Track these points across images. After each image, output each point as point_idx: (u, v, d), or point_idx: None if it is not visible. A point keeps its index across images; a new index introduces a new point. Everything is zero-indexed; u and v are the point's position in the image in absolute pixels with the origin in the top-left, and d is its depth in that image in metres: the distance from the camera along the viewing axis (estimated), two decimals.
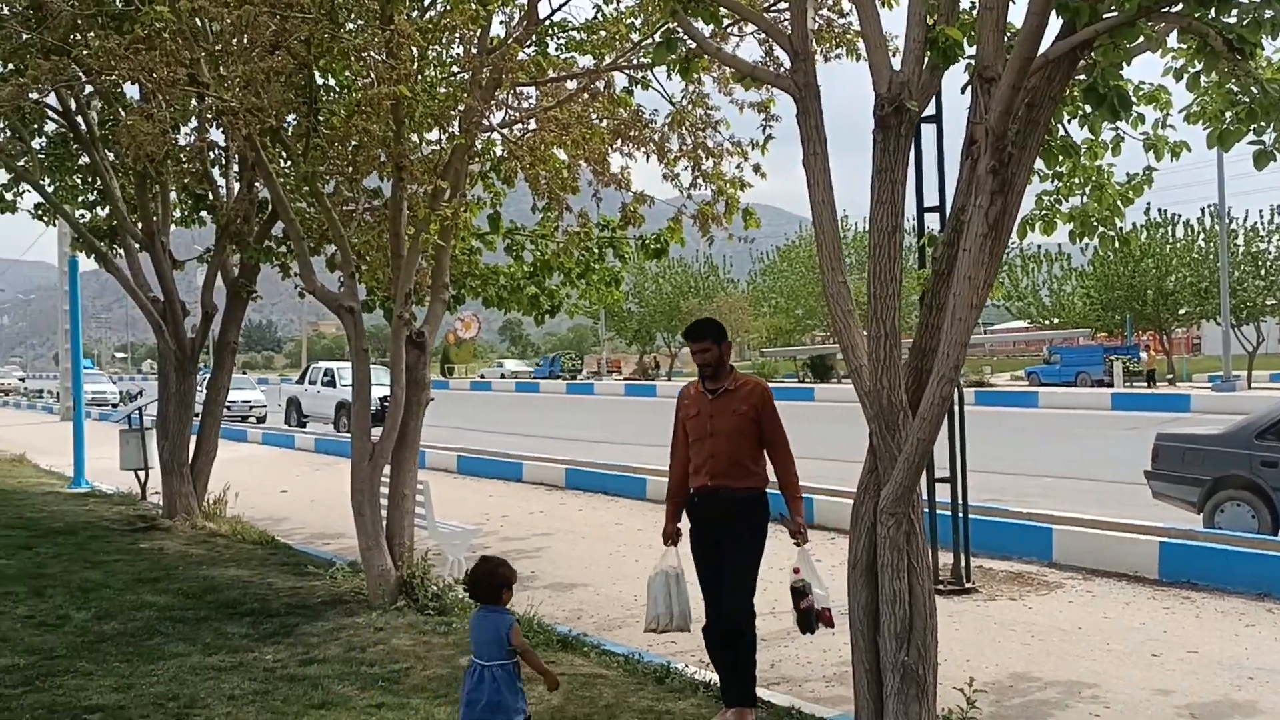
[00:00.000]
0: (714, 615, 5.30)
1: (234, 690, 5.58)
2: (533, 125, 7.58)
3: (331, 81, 9.99)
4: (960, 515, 8.71)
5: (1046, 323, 53.75)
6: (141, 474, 13.28)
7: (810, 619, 5.15)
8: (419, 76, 7.32)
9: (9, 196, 13.33)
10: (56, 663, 6.06)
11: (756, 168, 7.99)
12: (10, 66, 9.73)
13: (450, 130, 7.73)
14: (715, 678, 6.17)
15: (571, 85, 7.88)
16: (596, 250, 10.65)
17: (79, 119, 11.36)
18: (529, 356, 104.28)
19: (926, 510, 8.50)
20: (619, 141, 7.36)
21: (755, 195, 8.33)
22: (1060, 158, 5.27)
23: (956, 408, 8.65)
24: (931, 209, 8.41)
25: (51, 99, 11.07)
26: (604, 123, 7.35)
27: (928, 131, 8.45)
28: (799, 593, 5.15)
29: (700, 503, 5.33)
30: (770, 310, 60.14)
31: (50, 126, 12.28)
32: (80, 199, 13.50)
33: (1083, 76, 4.32)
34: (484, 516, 12.91)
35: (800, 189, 5.05)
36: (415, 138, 8.27)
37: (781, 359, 56.77)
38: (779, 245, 62.20)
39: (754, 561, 5.25)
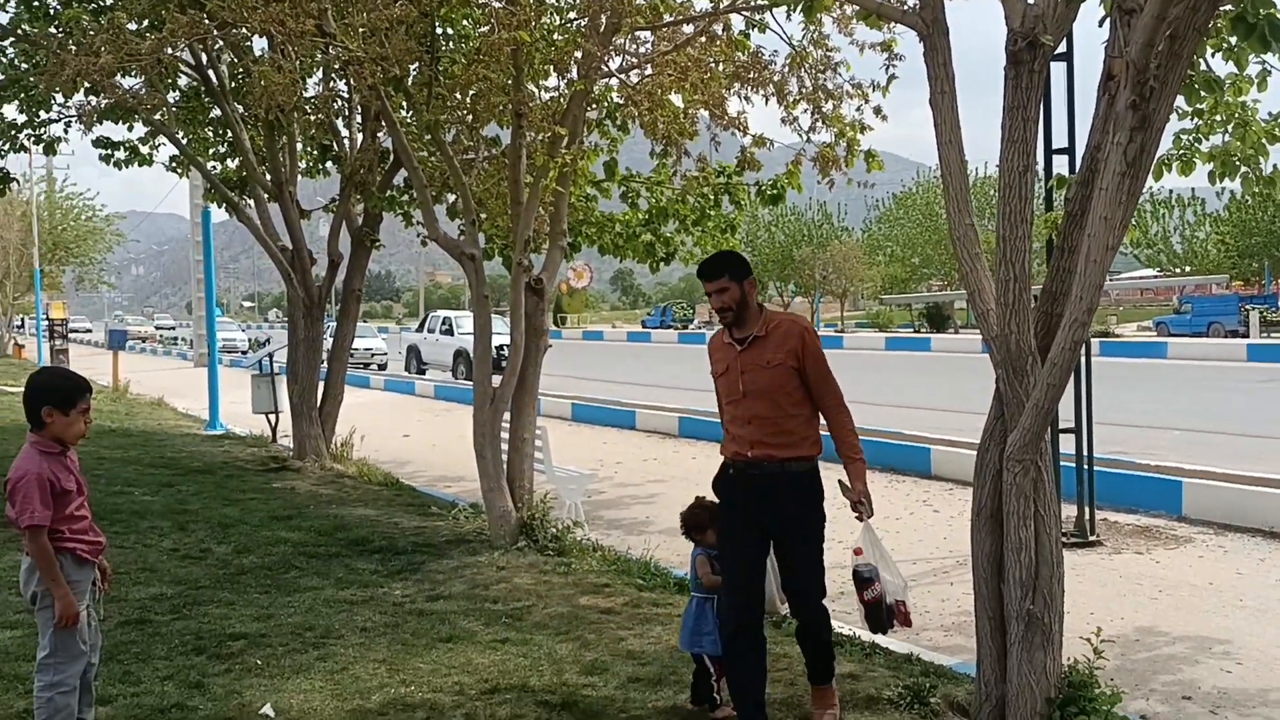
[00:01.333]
0: (739, 610, 4.37)
1: (366, 623, 5.81)
2: (650, 70, 7.54)
3: (452, 30, 10.10)
4: (1085, 467, 8.49)
5: (1177, 271, 51.60)
6: (272, 417, 13.81)
7: (880, 615, 4.32)
8: (537, 23, 7.34)
9: (145, 150, 13.88)
10: (201, 593, 6.40)
11: (877, 110, 7.81)
12: (148, 22, 10.09)
13: (568, 77, 7.75)
14: (833, 623, 6.20)
15: (689, 29, 7.80)
16: (712, 197, 10.59)
17: (211, 72, 11.71)
18: (640, 306, 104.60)
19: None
20: (737, 85, 7.27)
21: (872, 141, 8.15)
22: (1202, 93, 5.02)
23: (1083, 357, 8.42)
24: (1060, 151, 8.14)
25: (185, 54, 11.43)
26: (722, 66, 7.26)
27: (1056, 71, 8.16)
28: (863, 580, 4.30)
29: (737, 476, 4.35)
30: (886, 259, 59.04)
31: (183, 80, 12.71)
32: (211, 151, 13.98)
33: (1229, 6, 4.10)
34: (599, 463, 13.08)
35: (919, 134, 4.86)
36: (534, 85, 8.33)
37: (897, 308, 55.80)
38: (895, 192, 60.78)
39: (820, 551, 4.41)
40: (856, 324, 59.89)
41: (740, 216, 11.23)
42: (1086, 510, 8.51)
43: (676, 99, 7.92)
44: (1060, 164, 8.07)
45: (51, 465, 3.76)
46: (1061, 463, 8.44)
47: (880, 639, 5.87)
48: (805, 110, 7.59)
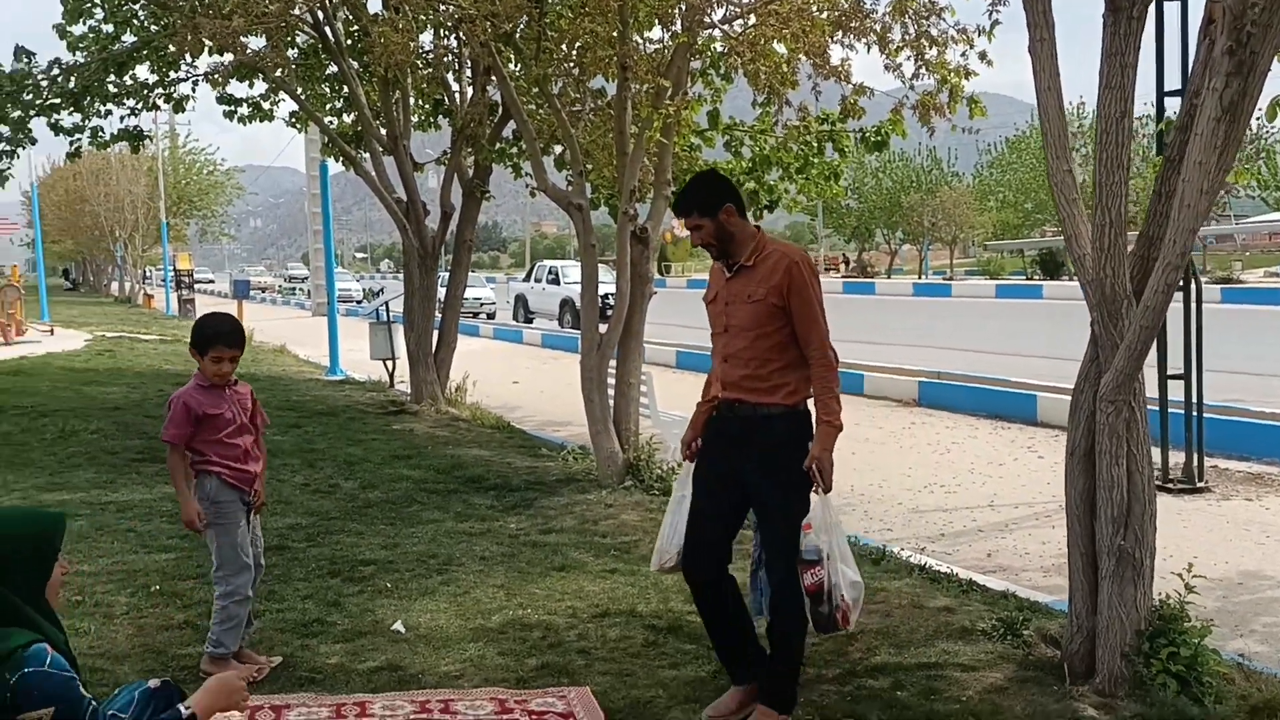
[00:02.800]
0: (702, 564, 3.99)
1: (484, 552, 6.19)
2: (753, 20, 7.63)
3: None
4: (1194, 413, 8.41)
5: None
6: (389, 363, 14.39)
7: (820, 606, 3.75)
8: None
9: (266, 106, 14.45)
10: (332, 523, 6.87)
11: (983, 55, 7.76)
12: None
13: (673, 29, 7.90)
14: (930, 561, 6.36)
15: None
16: (815, 144, 10.65)
17: (328, 30, 12.13)
18: None
19: (1157, 408, 8.31)
20: (839, 33, 7.32)
21: (982, 84, 8.09)
22: None
23: (1194, 303, 8.32)
24: (1173, 93, 8.00)
25: (306, 14, 11.86)
26: (824, 14, 7.31)
27: (1170, 11, 8.01)
28: (804, 562, 3.75)
29: (717, 419, 4.00)
30: (997, 205, 57.53)
31: (301, 39, 13.18)
32: (329, 106, 14.47)
33: None
34: None
35: (1030, 77, 4.84)
36: (639, 37, 8.49)
37: (1008, 254, 54.45)
38: (1007, 136, 59.03)
39: (795, 522, 3.79)
40: (966, 271, 58.68)
41: (844, 164, 11.26)
42: (1195, 456, 8.45)
43: (779, 48, 8.00)
44: (1174, 107, 7.94)
45: (201, 394, 4.22)
46: (1171, 409, 8.40)
47: (979, 578, 6.05)
48: (908, 57, 7.60)
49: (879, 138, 10.01)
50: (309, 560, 5.97)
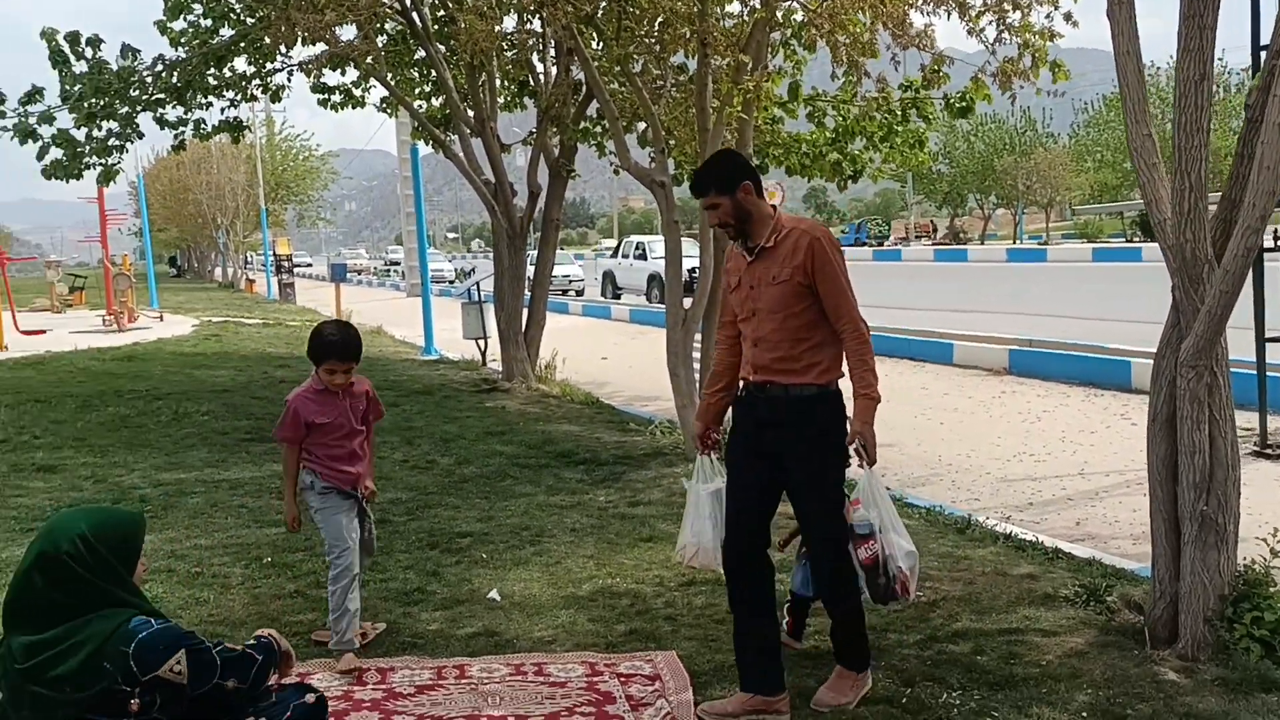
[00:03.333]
0: (737, 542, 3.93)
1: (574, 524, 6.40)
2: None
3: None
4: None
5: None
6: (481, 342, 14.73)
7: (878, 580, 3.75)
8: None
9: (358, 93, 14.83)
10: (430, 498, 7.16)
11: (1068, 16, 7.65)
12: None
13: (751, 4, 7.94)
14: (1016, 530, 6.38)
15: None
16: (899, 113, 10.58)
17: (415, 15, 12.40)
18: (834, 224, 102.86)
19: (1254, 372, 8.14)
20: (920, 1, 7.29)
21: (1077, 39, 7.92)
22: None
23: None
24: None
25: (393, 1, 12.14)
26: None
27: None
28: (858, 536, 3.75)
29: (745, 400, 3.96)
30: (1095, 165, 55.92)
31: (390, 25, 13.49)
32: (417, 90, 14.79)
33: None
34: None
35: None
36: (719, 10, 8.54)
37: (1107, 217, 52.93)
38: (1105, 94, 57.24)
39: (831, 488, 3.81)
40: (1063, 235, 57.21)
41: (930, 129, 11.17)
42: None
43: (862, 17, 7.98)
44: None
45: (313, 400, 4.40)
46: (1271, 374, 8.22)
47: (1065, 545, 6.05)
48: (990, 22, 7.52)
49: (963, 104, 9.90)
50: (409, 533, 6.25)
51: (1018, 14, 7.50)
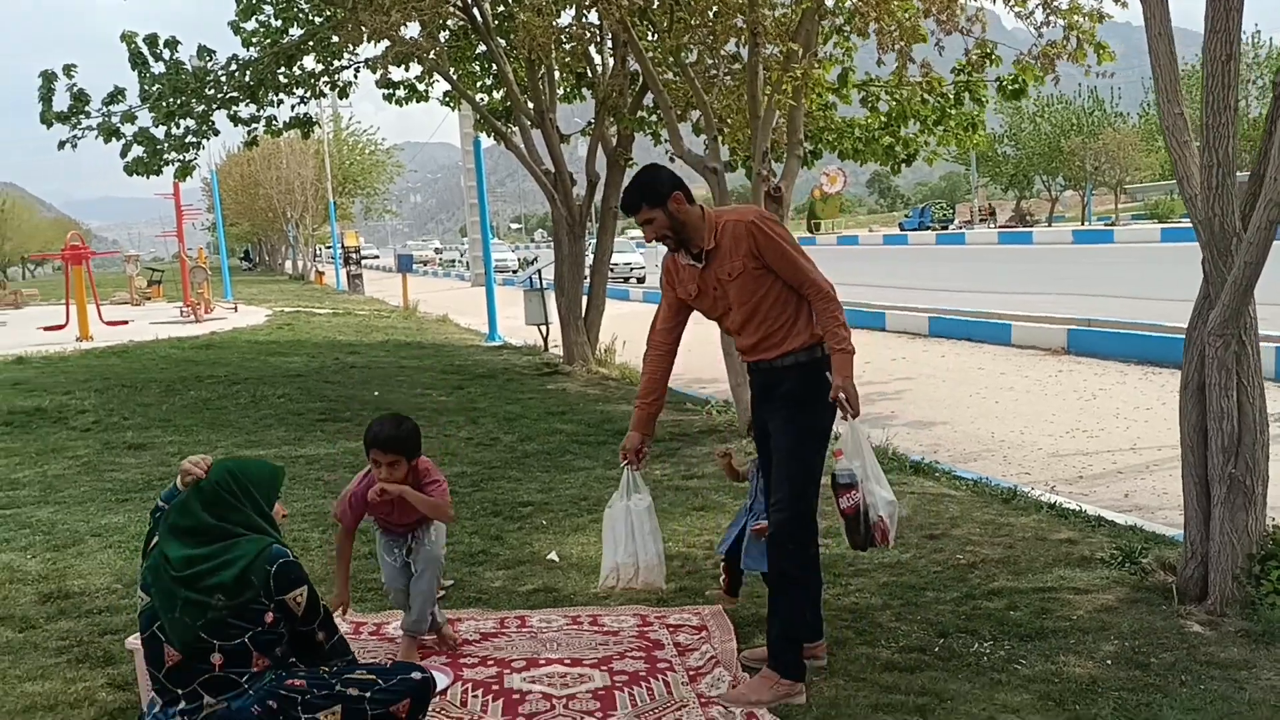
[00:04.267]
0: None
1: None
2: None
3: None
4: None
5: None
6: (543, 328, 15.10)
7: (858, 528, 3.83)
8: None
9: (421, 87, 15.26)
10: (494, 471, 7.51)
11: None
12: None
13: None
14: (1060, 500, 6.54)
15: None
16: (952, 96, 10.70)
17: (476, 11, 12.76)
18: (898, 208, 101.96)
19: None
20: None
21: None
22: None
23: None
24: None
25: None
26: None
27: None
28: (840, 486, 3.83)
29: (749, 380, 4.22)
30: (1165, 144, 54.69)
31: (452, 21, 13.86)
32: (479, 84, 15.18)
33: None
34: None
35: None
36: (769, 0, 8.75)
37: (1176, 196, 51.80)
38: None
39: (803, 449, 3.85)
40: (1133, 216, 56.19)
41: (996, 111, 11.26)
42: None
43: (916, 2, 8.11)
44: None
45: (367, 486, 4.13)
46: None
47: (1107, 513, 6.20)
48: (1038, 4, 7.65)
49: (1015, 86, 10.00)
50: (474, 502, 6.60)
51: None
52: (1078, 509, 6.16)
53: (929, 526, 5.87)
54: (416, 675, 3.25)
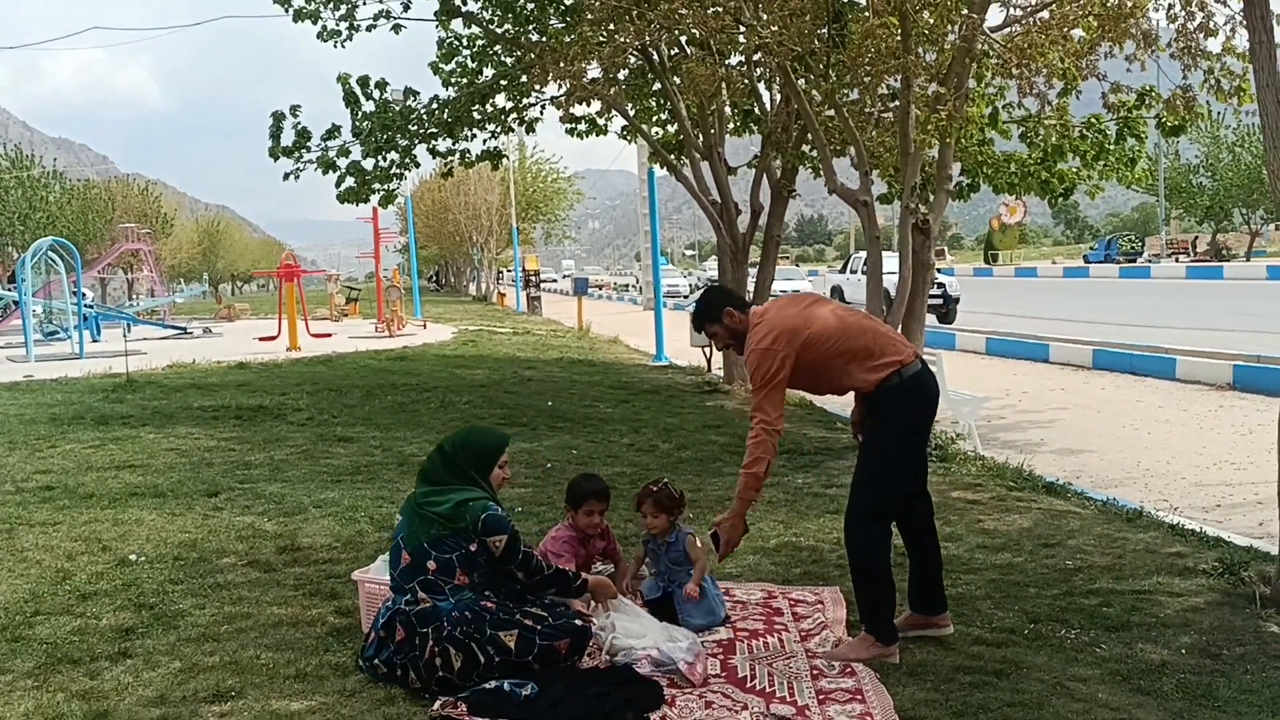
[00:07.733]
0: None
1: (771, 497, 7.35)
2: (1018, 29, 8.29)
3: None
4: None
5: None
6: (706, 350, 15.88)
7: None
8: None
9: (601, 122, 16.34)
10: (650, 473, 8.27)
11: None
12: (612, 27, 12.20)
13: (950, 40, 8.71)
14: (1183, 520, 6.83)
15: None
16: (1112, 132, 11.00)
17: (653, 52, 13.72)
18: (1086, 240, 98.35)
19: None
20: (1106, 34, 7.82)
21: None
22: None
23: None
24: None
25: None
26: (1091, 18, 7.83)
27: None
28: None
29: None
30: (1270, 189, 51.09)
31: (630, 60, 14.88)
32: (654, 118, 16.15)
33: None
34: (1004, 392, 13.84)
35: None
36: (921, 48, 9.33)
37: None
38: None
39: (871, 465, 4.48)
40: None
41: (1143, 148, 11.48)
42: None
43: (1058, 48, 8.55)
44: None
45: (559, 547, 5.04)
46: None
47: (1226, 534, 6.44)
48: (1179, 50, 7.96)
49: (1177, 123, 10.22)
50: (632, 497, 7.41)
51: (1208, 39, 7.92)
52: (1198, 529, 6.46)
53: (1046, 537, 6.33)
54: (579, 622, 4.27)
